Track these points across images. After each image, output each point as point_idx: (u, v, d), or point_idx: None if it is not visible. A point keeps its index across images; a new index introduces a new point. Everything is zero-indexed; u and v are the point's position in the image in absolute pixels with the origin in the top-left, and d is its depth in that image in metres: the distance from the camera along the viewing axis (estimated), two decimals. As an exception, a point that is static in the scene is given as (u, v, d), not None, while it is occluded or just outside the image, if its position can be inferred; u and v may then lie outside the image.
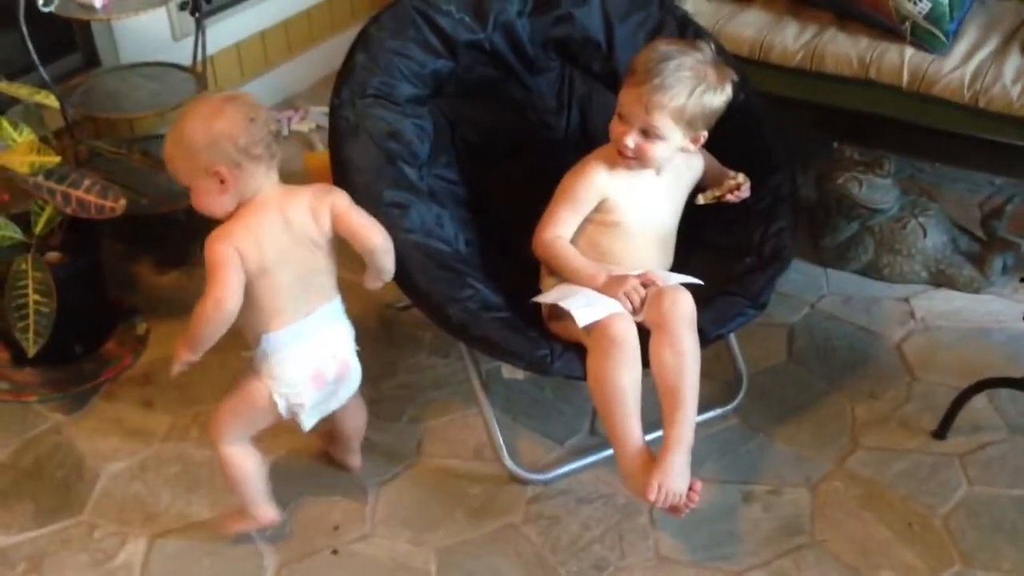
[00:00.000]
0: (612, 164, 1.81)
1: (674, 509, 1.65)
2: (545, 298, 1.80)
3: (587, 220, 1.85)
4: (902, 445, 1.97)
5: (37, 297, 1.89)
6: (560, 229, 1.83)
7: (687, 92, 1.71)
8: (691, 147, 1.80)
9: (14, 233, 1.95)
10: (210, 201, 1.58)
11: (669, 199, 1.88)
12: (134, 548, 1.78)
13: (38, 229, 1.98)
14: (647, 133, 1.75)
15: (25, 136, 1.95)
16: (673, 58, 1.72)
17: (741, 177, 1.87)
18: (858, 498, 1.86)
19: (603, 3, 2.07)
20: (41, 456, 1.95)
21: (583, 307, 1.70)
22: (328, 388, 1.68)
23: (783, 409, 2.04)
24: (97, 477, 1.90)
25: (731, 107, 2.03)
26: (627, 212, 1.82)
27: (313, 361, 1.65)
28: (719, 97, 1.76)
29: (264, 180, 1.60)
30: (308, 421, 1.68)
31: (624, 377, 1.67)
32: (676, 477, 1.63)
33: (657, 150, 1.76)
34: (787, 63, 2.31)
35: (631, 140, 1.75)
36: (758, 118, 2.05)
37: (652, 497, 1.61)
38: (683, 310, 1.72)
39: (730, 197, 1.86)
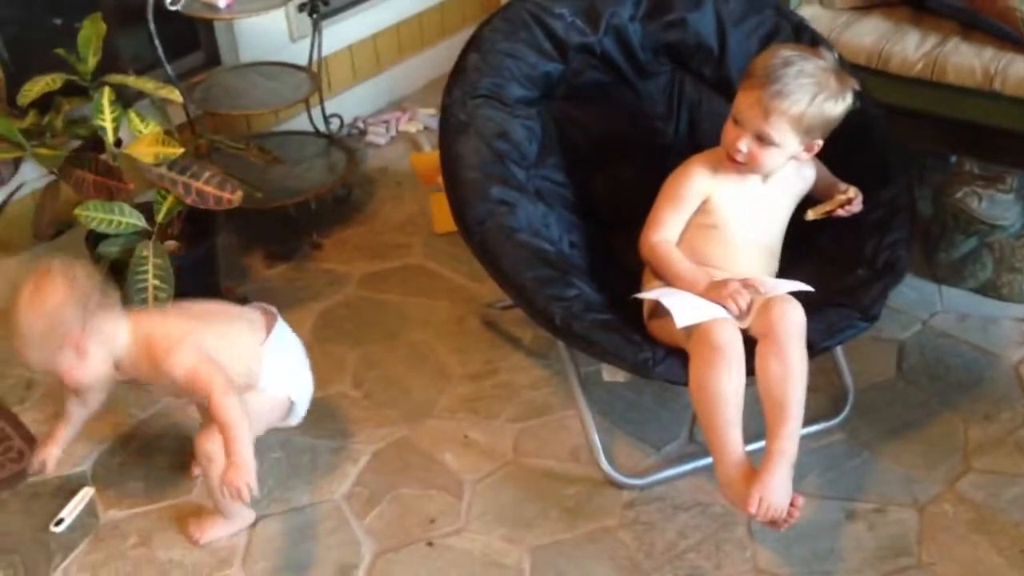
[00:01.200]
0: (716, 167, 1.79)
1: (773, 523, 1.61)
2: (648, 294, 1.79)
3: (688, 222, 1.83)
4: (1017, 469, 1.88)
5: (156, 282, 1.97)
6: (664, 231, 1.81)
7: (808, 99, 1.68)
8: (804, 155, 1.77)
9: (138, 221, 2.03)
10: (81, 369, 1.60)
11: (775, 207, 1.85)
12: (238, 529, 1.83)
13: (160, 218, 2.06)
14: (761, 139, 1.72)
15: (151, 128, 2.03)
16: (795, 63, 1.69)
17: (852, 191, 1.82)
18: (968, 522, 1.79)
19: (717, 7, 2.05)
20: (154, 436, 2.02)
21: (684, 307, 1.68)
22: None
23: (891, 426, 1.98)
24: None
25: (848, 115, 1.99)
26: (727, 216, 1.80)
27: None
28: (839, 106, 1.73)
29: (119, 317, 1.64)
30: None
31: (726, 385, 1.64)
32: (778, 491, 1.59)
33: (769, 157, 1.74)
34: (907, 73, 2.25)
35: (744, 144, 1.73)
36: (875, 128, 1.99)
37: (752, 510, 1.58)
38: (792, 321, 1.69)
39: (840, 212, 1.82)
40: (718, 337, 1.65)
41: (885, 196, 1.91)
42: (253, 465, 1.56)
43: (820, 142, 1.76)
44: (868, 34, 2.31)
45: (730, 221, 1.81)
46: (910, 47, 2.26)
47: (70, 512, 1.85)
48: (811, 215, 1.82)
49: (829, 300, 1.80)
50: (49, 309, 1.54)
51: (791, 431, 1.64)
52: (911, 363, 2.13)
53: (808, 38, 2.05)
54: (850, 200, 1.81)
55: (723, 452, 1.64)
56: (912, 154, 2.03)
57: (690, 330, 1.67)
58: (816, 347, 1.73)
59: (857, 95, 1.98)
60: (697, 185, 1.80)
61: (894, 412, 2.02)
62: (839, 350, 2.00)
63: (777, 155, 1.74)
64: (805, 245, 1.91)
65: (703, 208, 1.81)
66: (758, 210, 1.82)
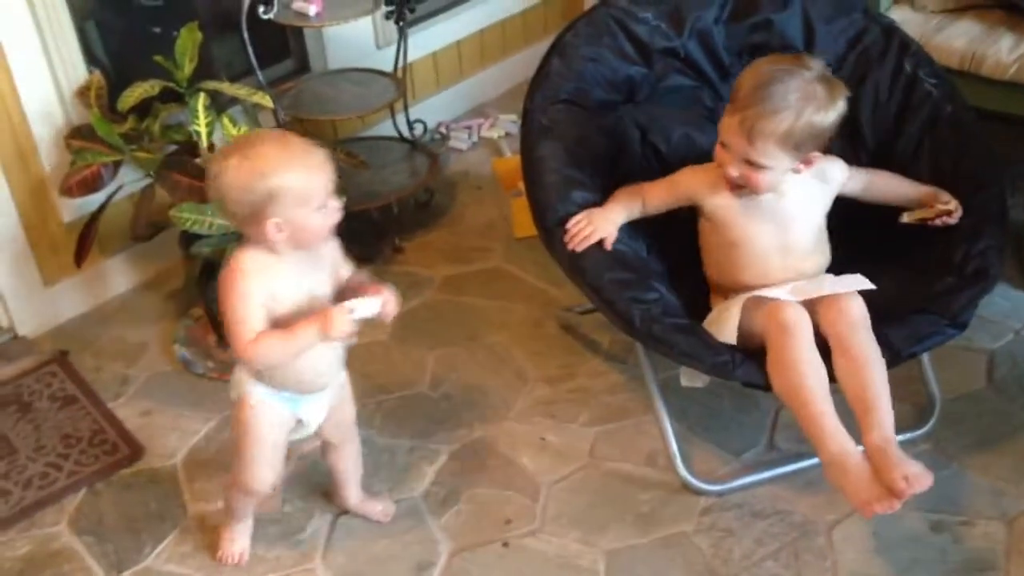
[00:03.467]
0: (717, 182, 1.76)
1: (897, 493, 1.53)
2: (709, 326, 1.78)
3: (710, 244, 1.83)
4: (1114, 486, 1.82)
5: (245, 282, 2.02)
6: (637, 186, 1.84)
7: (792, 117, 1.61)
8: (804, 168, 1.72)
9: (229, 222, 2.09)
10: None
11: (800, 217, 1.78)
12: (319, 524, 1.87)
13: (248, 219, 2.12)
14: (750, 163, 1.67)
15: (242, 131, 2.09)
16: (777, 80, 1.62)
17: (954, 204, 1.79)
18: (1061, 539, 1.74)
19: (805, 8, 2.02)
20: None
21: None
22: None
23: (980, 438, 1.93)
24: (288, 457, 2.01)
25: (939, 120, 1.95)
26: (749, 233, 1.76)
27: None
28: (830, 115, 1.65)
29: None
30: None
31: (803, 363, 1.62)
32: (904, 464, 1.53)
33: (763, 178, 1.69)
34: (1000, 76, 2.19)
35: (734, 170, 1.69)
36: (967, 132, 1.95)
37: (903, 491, 1.50)
38: (851, 315, 1.66)
39: (936, 222, 1.79)
40: (784, 318, 1.65)
41: (977, 202, 1.86)
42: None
43: (817, 154, 1.70)
44: (960, 36, 2.26)
45: (754, 238, 1.77)
46: (1004, 50, 2.20)
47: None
48: (907, 218, 1.80)
49: (917, 307, 1.77)
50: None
51: (883, 420, 1.60)
52: (1001, 374, 2.07)
53: (897, 41, 2.01)
54: (949, 212, 1.79)
55: (817, 429, 1.60)
56: (1006, 160, 1.97)
57: (757, 317, 1.68)
58: (903, 354, 1.70)
59: (948, 98, 1.94)
60: (686, 187, 1.81)
61: (983, 423, 1.96)
62: (926, 359, 1.95)
63: (771, 175, 1.69)
64: (892, 252, 1.87)
65: (716, 226, 1.79)
66: (781, 222, 1.77)
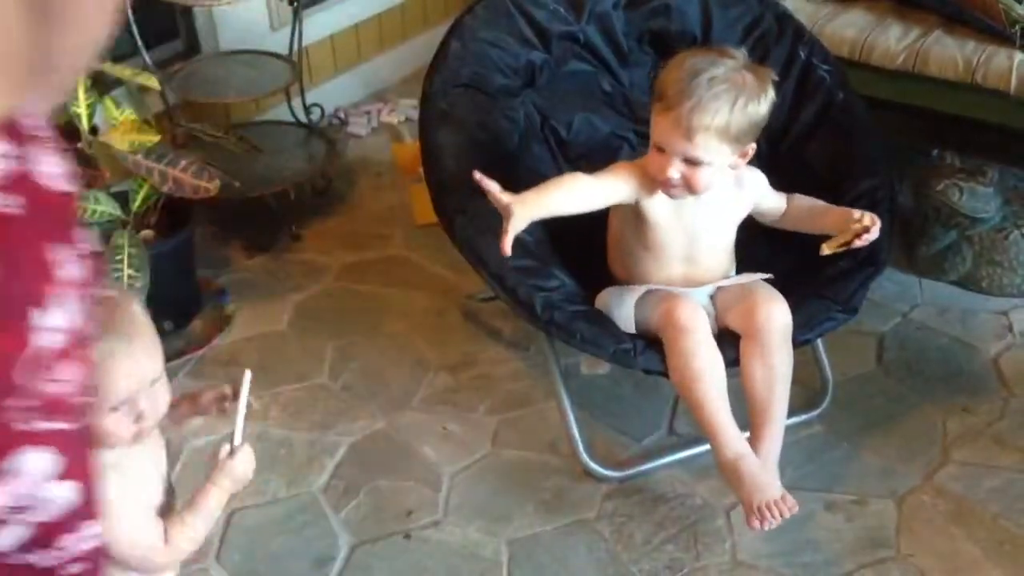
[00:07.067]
0: (645, 183, 1.68)
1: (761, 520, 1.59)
2: (599, 304, 1.78)
3: (623, 241, 1.79)
4: (995, 462, 1.89)
5: (131, 272, 1.94)
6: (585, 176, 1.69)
7: (728, 106, 1.56)
8: (740, 162, 1.67)
9: (113, 209, 2.00)
10: None
11: (712, 226, 1.74)
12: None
13: (135, 206, 2.04)
14: (690, 161, 1.60)
15: (126, 115, 2.01)
16: (704, 71, 1.56)
17: (868, 218, 1.64)
18: (947, 514, 1.79)
19: (702, -5, 2.04)
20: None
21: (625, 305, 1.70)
22: None
23: (870, 419, 1.98)
24: (180, 452, 1.94)
25: (831, 106, 1.99)
26: (660, 237, 1.72)
27: None
28: (763, 105, 1.61)
29: None
30: None
31: (699, 361, 1.64)
32: (768, 490, 1.59)
33: (704, 175, 1.61)
34: (889, 65, 2.24)
35: (674, 171, 1.61)
36: (856, 119, 1.99)
37: (756, 525, 1.57)
38: (778, 323, 1.68)
39: (858, 242, 1.64)
40: (680, 318, 1.65)
41: (866, 188, 1.90)
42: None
43: (754, 146, 1.66)
44: (851, 26, 2.30)
45: (667, 245, 1.73)
46: (893, 39, 2.26)
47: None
48: (826, 250, 1.66)
49: (810, 292, 1.80)
50: None
51: (774, 433, 1.66)
52: (891, 356, 2.13)
53: (791, 29, 2.05)
54: (867, 228, 1.63)
55: (714, 433, 1.63)
56: (893, 147, 2.03)
57: (654, 316, 1.68)
58: (796, 340, 1.73)
59: (839, 85, 1.97)
60: (619, 185, 1.68)
61: (873, 404, 2.01)
62: (819, 342, 1.99)
63: (712, 172, 1.62)
64: (785, 238, 1.90)
65: (640, 227, 1.72)
66: (692, 234, 1.73)
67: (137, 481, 1.24)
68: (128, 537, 1.20)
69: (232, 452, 1.30)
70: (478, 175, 1.58)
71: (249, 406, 1.31)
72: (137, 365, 1.16)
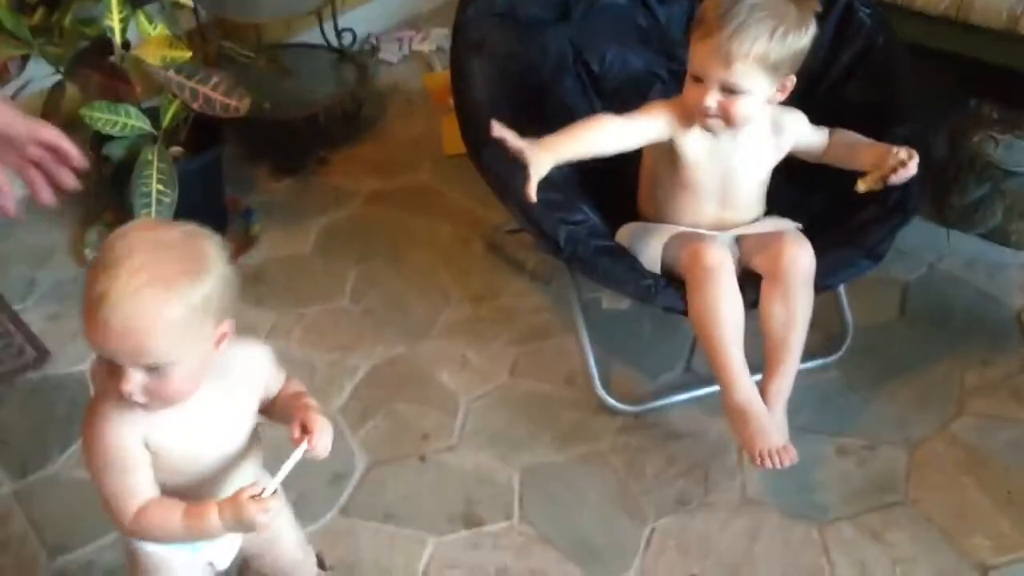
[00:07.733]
0: (683, 119, 1.67)
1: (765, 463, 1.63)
2: (620, 238, 1.78)
3: (657, 180, 1.78)
4: (1011, 415, 1.89)
5: (160, 187, 1.96)
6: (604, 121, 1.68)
7: (768, 34, 1.54)
8: (779, 96, 1.65)
9: (143, 124, 2.01)
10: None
11: (748, 168, 1.73)
12: (233, 435, 1.85)
13: (165, 122, 2.04)
14: (729, 89, 1.58)
15: (159, 30, 2.00)
16: (748, 1, 1.55)
17: (904, 152, 1.60)
18: (958, 463, 1.80)
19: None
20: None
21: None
22: None
23: (888, 367, 1.98)
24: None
25: (871, 50, 1.95)
26: (695, 175, 1.71)
27: None
28: (804, 37, 1.59)
29: None
30: None
31: (722, 306, 1.65)
32: (775, 432, 1.62)
33: (743, 106, 1.60)
34: (932, 10, 2.19)
35: (711, 100, 1.59)
36: (896, 64, 1.96)
37: (758, 462, 1.61)
38: (802, 266, 1.68)
39: (894, 178, 1.61)
40: (707, 259, 1.65)
41: (900, 134, 1.86)
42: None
43: (793, 79, 1.64)
44: (895, -31, 2.25)
45: (702, 184, 1.72)
46: (938, -16, 2.20)
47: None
48: (862, 186, 1.64)
49: (836, 238, 1.79)
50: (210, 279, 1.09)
51: (787, 374, 1.67)
52: (914, 305, 2.12)
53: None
54: (903, 163, 1.59)
55: (726, 376, 1.65)
56: (931, 95, 1.99)
57: (681, 256, 1.68)
58: (818, 285, 1.72)
59: (880, 28, 1.93)
60: (654, 123, 1.67)
61: (893, 353, 2.01)
62: (842, 288, 1.99)
63: (751, 102, 1.61)
64: (815, 181, 1.88)
65: (676, 166, 1.71)
66: (727, 174, 1.72)
67: (151, 438, 1.14)
68: (101, 477, 1.15)
69: (259, 495, 1.15)
70: (496, 125, 1.57)
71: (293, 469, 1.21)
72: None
